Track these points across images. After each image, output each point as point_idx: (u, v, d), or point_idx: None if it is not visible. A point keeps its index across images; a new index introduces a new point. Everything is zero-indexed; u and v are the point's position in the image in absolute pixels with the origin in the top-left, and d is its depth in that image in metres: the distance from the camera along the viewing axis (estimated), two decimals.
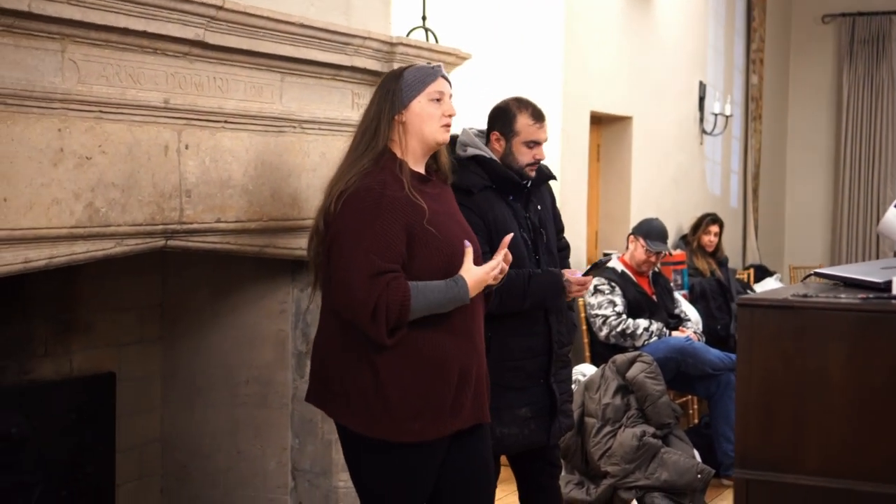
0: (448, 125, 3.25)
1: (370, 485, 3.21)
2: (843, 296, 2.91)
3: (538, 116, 3.88)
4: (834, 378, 2.78)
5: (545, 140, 3.90)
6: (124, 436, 4.26)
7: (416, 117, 3.20)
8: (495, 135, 3.90)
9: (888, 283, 2.96)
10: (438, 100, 3.22)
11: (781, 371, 2.82)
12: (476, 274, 3.15)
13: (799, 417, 2.81)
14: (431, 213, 3.13)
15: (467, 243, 3.18)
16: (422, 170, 3.26)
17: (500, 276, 3.25)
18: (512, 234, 3.38)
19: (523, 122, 3.86)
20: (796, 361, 2.80)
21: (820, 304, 2.82)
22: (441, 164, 3.33)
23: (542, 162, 3.98)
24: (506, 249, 3.26)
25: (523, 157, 3.87)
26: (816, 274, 3.33)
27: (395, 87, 3.20)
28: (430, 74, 3.24)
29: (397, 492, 3.19)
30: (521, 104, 3.90)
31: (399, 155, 3.20)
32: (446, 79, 3.27)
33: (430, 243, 3.11)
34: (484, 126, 3.98)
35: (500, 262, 3.21)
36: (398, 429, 3.10)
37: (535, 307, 3.82)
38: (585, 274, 3.91)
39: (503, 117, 3.90)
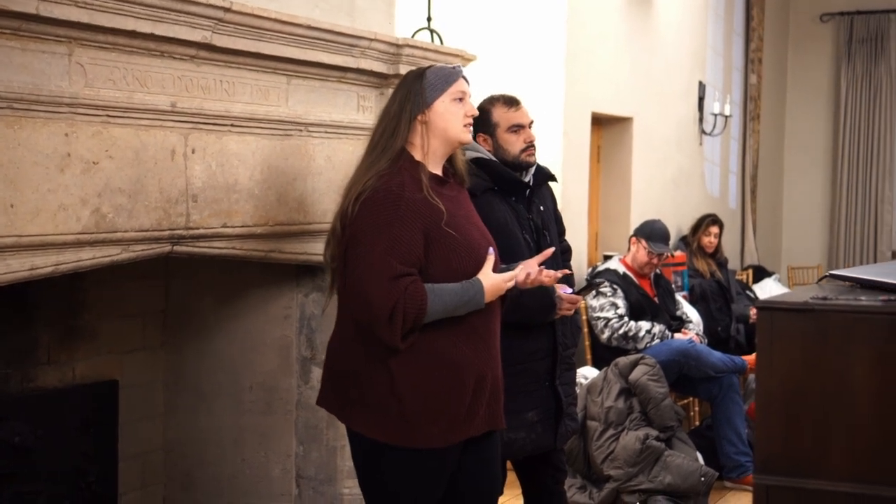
0: (470, 125, 3.25)
1: (381, 490, 3.18)
2: (863, 298, 2.87)
3: (510, 102, 3.91)
4: (857, 381, 2.75)
5: (528, 122, 3.92)
6: (127, 444, 4.22)
7: (439, 117, 3.18)
8: (481, 136, 3.91)
9: None
10: (461, 99, 3.21)
11: (803, 375, 2.79)
12: (494, 280, 3.14)
13: (822, 422, 2.77)
14: (449, 215, 3.11)
15: (490, 250, 3.18)
16: (439, 171, 3.23)
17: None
18: (553, 249, 3.42)
19: (498, 112, 3.88)
20: (818, 365, 2.77)
21: (842, 307, 2.79)
22: (457, 167, 3.31)
23: (541, 163, 3.97)
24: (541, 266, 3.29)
25: (512, 145, 3.87)
26: (831, 275, 3.30)
27: (417, 87, 3.17)
28: (453, 74, 3.22)
29: (409, 497, 3.16)
30: (492, 99, 3.94)
31: (418, 157, 3.17)
32: (466, 80, 3.27)
33: (448, 245, 3.09)
34: None
35: (516, 274, 3.23)
36: (414, 434, 3.07)
37: (523, 321, 3.78)
38: (577, 293, 3.87)
39: (481, 118, 3.91)
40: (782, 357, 2.80)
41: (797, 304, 2.80)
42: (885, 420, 2.73)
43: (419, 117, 3.16)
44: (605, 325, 6.31)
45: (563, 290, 3.84)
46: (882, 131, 10.96)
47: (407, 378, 3.05)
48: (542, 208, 4.00)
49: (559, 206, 4.08)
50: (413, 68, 3.37)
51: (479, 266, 3.15)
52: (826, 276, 3.34)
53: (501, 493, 3.81)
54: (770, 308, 2.81)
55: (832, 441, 2.78)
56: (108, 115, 3.04)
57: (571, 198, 6.82)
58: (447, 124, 3.19)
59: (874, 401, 2.74)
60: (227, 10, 3.28)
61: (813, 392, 2.78)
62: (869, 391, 2.74)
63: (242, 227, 3.57)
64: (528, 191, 3.94)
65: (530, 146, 3.90)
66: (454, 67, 3.26)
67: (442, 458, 3.14)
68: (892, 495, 2.74)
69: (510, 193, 3.89)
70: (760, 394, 2.83)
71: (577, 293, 3.88)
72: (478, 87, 5.26)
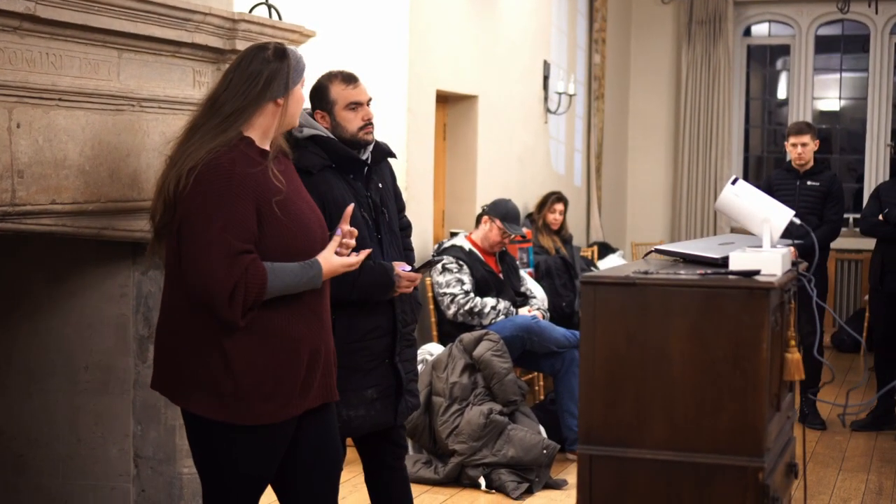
0: None
1: (217, 469, 3.17)
2: (682, 272, 2.96)
3: (349, 79, 3.92)
4: (675, 353, 2.83)
5: (366, 99, 3.93)
6: None
7: (295, 102, 3.20)
8: (319, 114, 3.91)
9: (725, 259, 3.03)
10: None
11: (624, 347, 2.86)
12: (333, 263, 3.18)
13: (642, 392, 2.86)
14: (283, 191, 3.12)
15: (339, 231, 3.22)
16: (268, 147, 3.21)
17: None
18: (353, 205, 3.40)
19: (336, 89, 3.89)
20: (639, 337, 2.85)
21: (661, 281, 2.87)
22: (280, 141, 3.30)
23: (380, 140, 4.01)
24: (348, 228, 3.28)
25: (350, 122, 3.87)
26: (657, 250, 3.39)
27: (284, 69, 3.15)
28: (303, 59, 3.23)
29: (244, 474, 3.18)
30: (330, 75, 3.94)
31: (253, 134, 3.15)
32: None
33: (281, 221, 3.09)
34: None
35: (360, 259, 3.27)
36: (249, 412, 3.08)
37: (362, 300, 3.81)
38: (416, 270, 3.91)
39: (318, 94, 3.93)
40: (604, 330, 2.87)
41: (619, 279, 2.88)
42: (700, 390, 2.83)
43: (279, 100, 3.15)
44: (452, 301, 6.38)
45: (402, 268, 3.87)
46: (720, 111, 11.28)
47: (241, 356, 3.06)
48: (380, 185, 4.02)
49: (404, 184, 4.12)
50: (258, 44, 3.30)
51: (310, 241, 3.17)
52: (652, 251, 3.43)
53: (341, 469, 3.84)
54: (593, 282, 2.88)
55: (651, 411, 2.86)
56: None
57: (416, 175, 6.85)
58: (297, 110, 3.22)
59: (690, 371, 2.84)
60: None
61: (633, 364, 2.86)
62: (685, 362, 2.83)
63: (72, 203, 3.50)
64: (366, 168, 3.96)
65: (368, 124, 3.91)
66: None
67: (276, 434, 3.16)
68: (706, 461, 2.84)
69: (348, 171, 3.90)
70: (584, 366, 2.90)
71: (416, 270, 3.92)
72: (318, 63, 5.26)
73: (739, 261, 2.94)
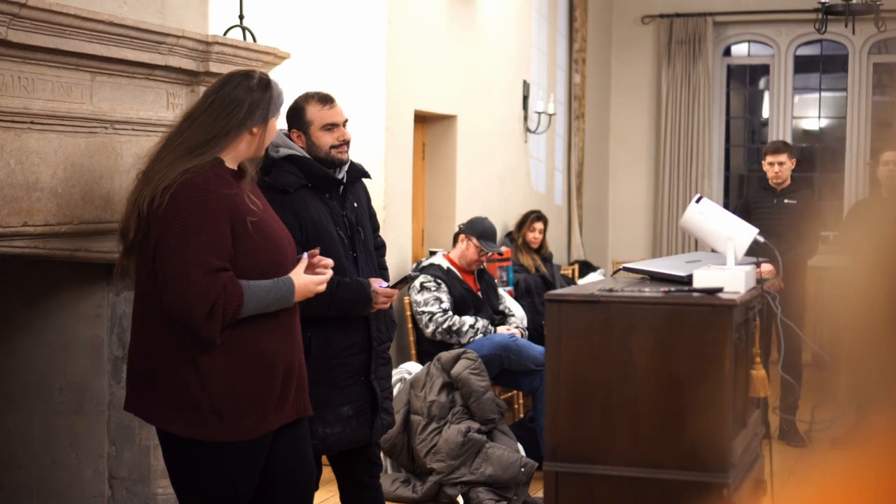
0: None
1: (196, 488, 3.18)
2: (647, 289, 2.99)
3: (325, 100, 3.96)
4: (639, 370, 2.86)
5: (342, 120, 3.97)
6: None
7: (269, 134, 3.26)
8: (295, 133, 3.95)
9: (690, 277, 3.06)
10: None
11: (589, 364, 2.89)
12: (304, 281, 3.22)
13: (607, 409, 2.89)
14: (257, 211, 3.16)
15: (305, 255, 3.26)
16: (235, 167, 3.25)
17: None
18: (319, 249, 3.45)
19: (312, 110, 3.93)
20: (603, 354, 2.88)
21: (624, 298, 2.90)
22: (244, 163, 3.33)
23: (354, 160, 4.03)
24: (319, 258, 3.33)
25: (324, 142, 3.90)
26: (625, 268, 3.42)
27: (266, 99, 3.20)
28: (283, 93, 3.30)
29: (224, 492, 3.19)
30: (307, 96, 3.98)
31: (223, 156, 3.19)
32: None
33: (254, 240, 3.12)
34: None
35: (328, 277, 3.31)
36: (228, 428, 3.10)
37: (339, 315, 3.84)
38: (392, 286, 3.93)
39: (295, 115, 3.98)
40: (569, 347, 2.90)
41: (583, 296, 2.90)
42: (664, 406, 2.85)
43: (255, 129, 3.18)
44: (430, 320, 6.39)
45: (379, 284, 3.90)
46: (701, 129, 11.33)
47: (217, 373, 3.08)
48: (355, 205, 4.05)
49: (382, 203, 4.15)
50: (243, 70, 3.34)
51: (283, 259, 3.21)
52: (620, 269, 3.46)
53: (317, 487, 3.85)
54: (557, 301, 2.91)
55: (617, 427, 2.89)
56: None
57: (395, 194, 6.86)
58: (268, 142, 3.27)
59: (654, 388, 2.86)
60: (23, 5, 3.22)
61: (599, 381, 2.88)
62: (649, 379, 2.86)
63: (45, 225, 3.52)
64: (341, 187, 3.99)
65: (343, 144, 3.94)
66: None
67: (254, 449, 3.18)
68: (670, 477, 2.87)
69: (324, 190, 3.93)
70: (549, 384, 2.92)
71: (393, 286, 3.95)
72: (295, 85, 5.30)
73: (703, 278, 2.97)
